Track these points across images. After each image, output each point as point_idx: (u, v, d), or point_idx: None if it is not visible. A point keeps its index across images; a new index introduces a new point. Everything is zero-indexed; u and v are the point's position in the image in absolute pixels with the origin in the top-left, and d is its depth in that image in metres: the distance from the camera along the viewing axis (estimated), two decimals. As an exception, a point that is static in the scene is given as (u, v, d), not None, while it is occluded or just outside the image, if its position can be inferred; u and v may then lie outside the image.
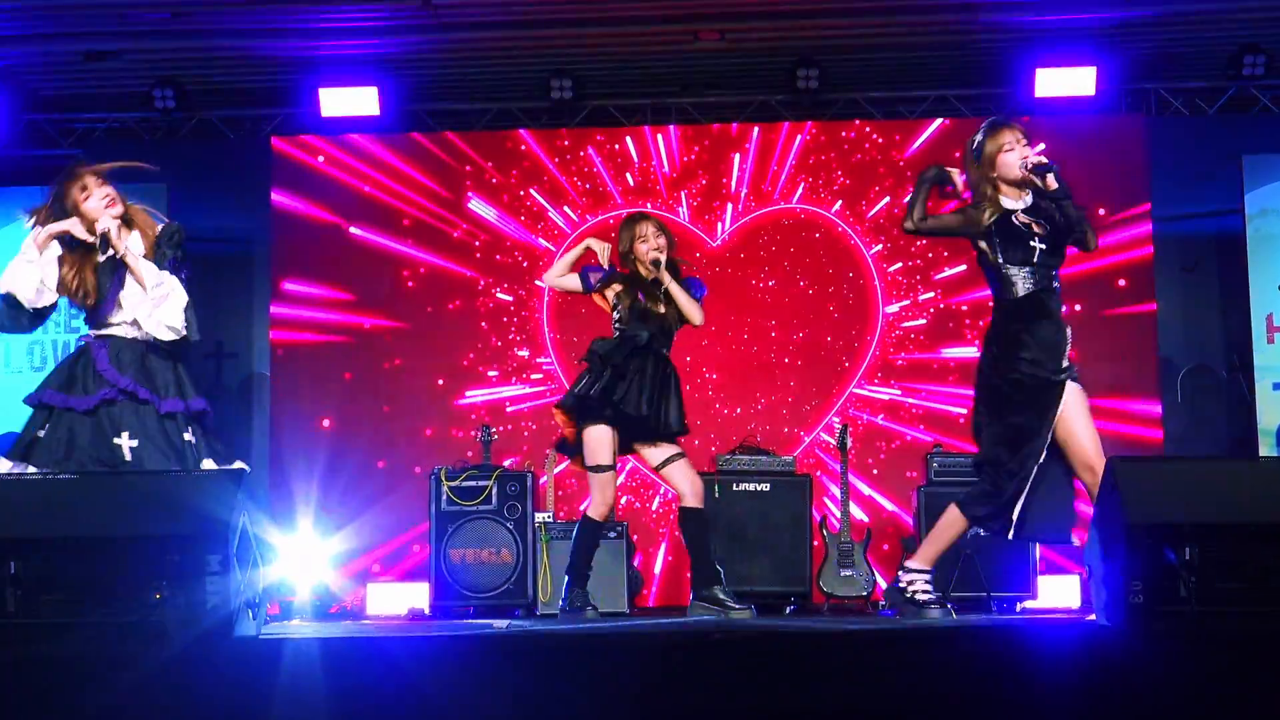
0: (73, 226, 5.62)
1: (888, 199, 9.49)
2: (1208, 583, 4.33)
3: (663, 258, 6.48)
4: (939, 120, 9.58)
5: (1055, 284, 5.69)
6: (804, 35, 9.12)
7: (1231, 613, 4.30)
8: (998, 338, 5.72)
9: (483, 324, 9.59)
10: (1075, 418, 5.59)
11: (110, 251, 5.63)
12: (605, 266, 6.58)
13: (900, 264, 9.49)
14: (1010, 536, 5.68)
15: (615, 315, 6.56)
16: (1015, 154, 5.65)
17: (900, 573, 5.88)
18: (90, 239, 5.64)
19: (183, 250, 5.73)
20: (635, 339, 6.46)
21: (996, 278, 5.72)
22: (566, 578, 6.56)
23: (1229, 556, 4.33)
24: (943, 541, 5.80)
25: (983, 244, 5.72)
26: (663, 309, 6.50)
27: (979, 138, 5.74)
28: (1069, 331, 5.66)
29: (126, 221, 5.71)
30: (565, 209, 9.64)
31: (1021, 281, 5.65)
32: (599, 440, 6.41)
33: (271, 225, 9.69)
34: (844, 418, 9.15)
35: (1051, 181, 5.57)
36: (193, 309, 5.67)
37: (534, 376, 9.54)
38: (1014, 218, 5.67)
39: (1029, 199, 5.68)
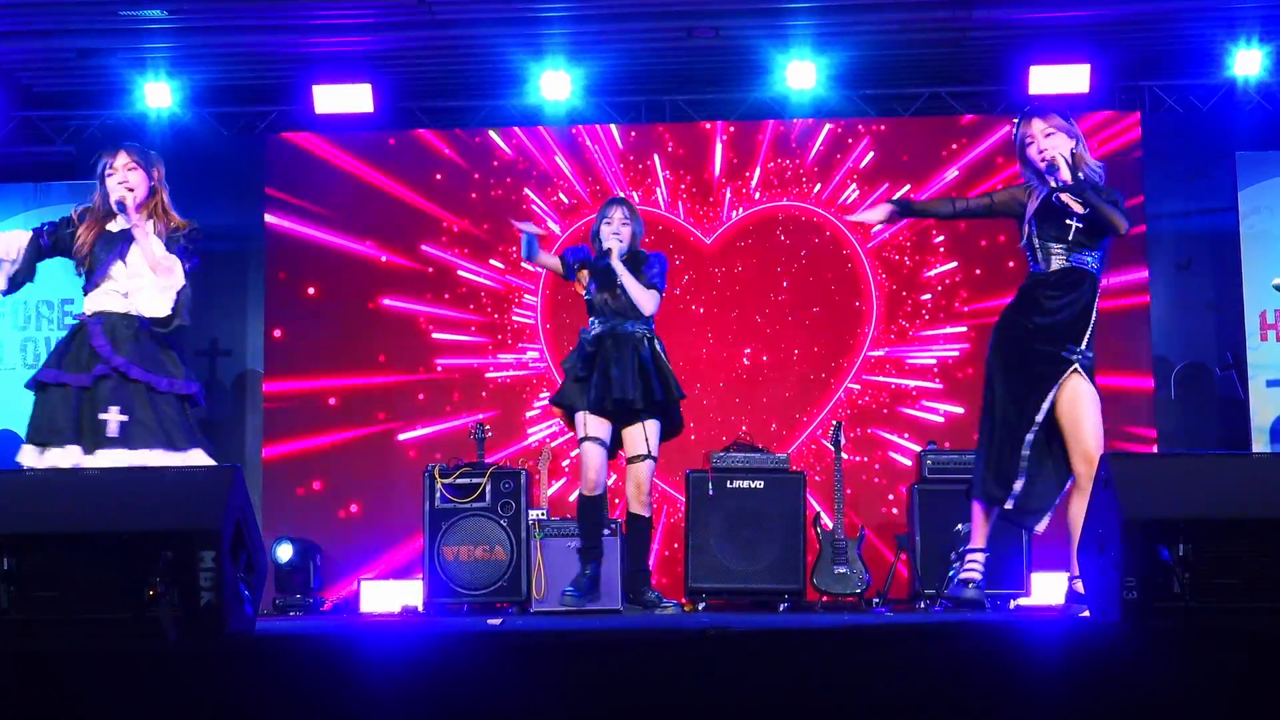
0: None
1: (871, 189, 9.50)
2: (1202, 578, 4.33)
3: (618, 245, 6.58)
4: (936, 117, 9.62)
5: (1091, 266, 5.78)
6: (798, 33, 9.12)
7: (1226, 608, 4.30)
8: (1019, 300, 5.87)
9: (478, 315, 9.60)
10: (1083, 405, 5.70)
11: (119, 223, 5.77)
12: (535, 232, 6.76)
13: (895, 260, 9.49)
14: (1008, 514, 5.79)
15: (586, 300, 6.76)
16: (1034, 146, 5.81)
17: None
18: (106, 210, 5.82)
19: (194, 246, 5.86)
20: (585, 335, 6.72)
21: (1031, 253, 5.86)
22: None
23: (1224, 552, 4.33)
24: (977, 527, 5.94)
25: (1025, 223, 5.87)
26: (618, 295, 6.60)
27: (1014, 131, 5.93)
28: (1093, 321, 5.74)
29: (150, 207, 5.83)
30: (559, 198, 9.63)
31: (1055, 257, 5.77)
32: (579, 419, 6.71)
33: (266, 222, 9.68)
34: (837, 415, 9.16)
35: (1064, 175, 5.71)
36: (188, 297, 5.78)
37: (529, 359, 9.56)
38: (1055, 196, 5.77)
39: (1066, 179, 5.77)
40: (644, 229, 6.89)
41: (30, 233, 5.86)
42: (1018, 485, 5.76)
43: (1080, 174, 5.73)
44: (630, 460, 6.69)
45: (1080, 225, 5.75)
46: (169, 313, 5.73)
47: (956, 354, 9.36)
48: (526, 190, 9.61)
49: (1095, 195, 5.72)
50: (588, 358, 6.65)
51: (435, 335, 9.60)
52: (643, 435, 6.58)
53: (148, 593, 4.23)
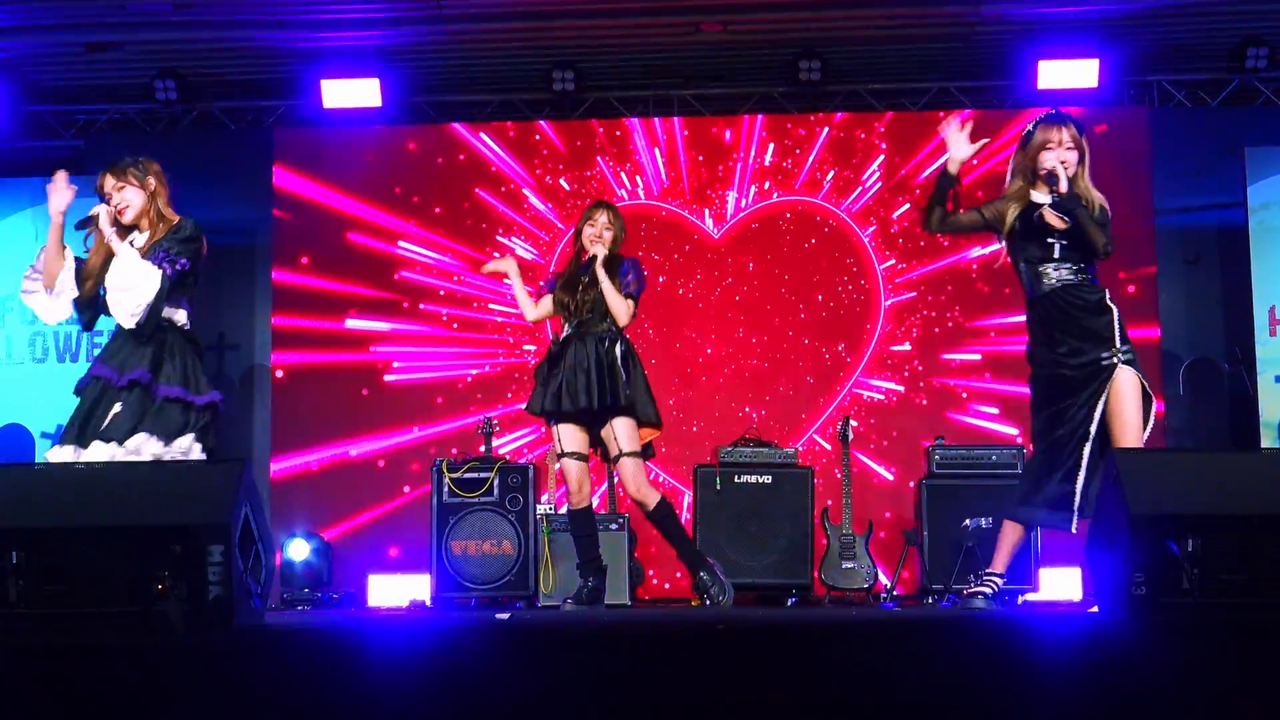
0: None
1: (879, 184, 9.50)
2: (1210, 574, 4.33)
3: (602, 251, 6.55)
4: (942, 112, 9.59)
5: (1086, 276, 5.71)
6: (806, 27, 9.12)
7: (1234, 604, 4.30)
8: (1034, 334, 5.83)
9: (483, 311, 9.60)
10: (1121, 401, 5.59)
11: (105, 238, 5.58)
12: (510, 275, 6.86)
13: (901, 256, 9.48)
14: (1073, 530, 5.69)
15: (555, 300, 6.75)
16: (1054, 154, 5.71)
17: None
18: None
19: (181, 248, 5.54)
20: (555, 341, 6.70)
21: (1021, 274, 5.83)
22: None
23: (1231, 548, 4.34)
24: (1004, 550, 5.89)
25: (1005, 241, 5.84)
26: (581, 298, 6.58)
27: (1031, 127, 5.83)
28: (1115, 315, 5.66)
29: (147, 216, 5.64)
30: (562, 189, 9.63)
31: (1046, 279, 5.71)
32: (555, 434, 6.68)
33: (273, 216, 9.69)
34: (845, 410, 9.14)
35: (1061, 187, 5.65)
36: (162, 304, 5.47)
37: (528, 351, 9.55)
38: (1036, 214, 5.72)
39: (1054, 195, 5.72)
40: (626, 233, 6.81)
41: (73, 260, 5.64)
42: (1078, 498, 5.67)
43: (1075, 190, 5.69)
44: (614, 462, 6.67)
45: (1064, 242, 5.69)
46: (132, 325, 5.46)
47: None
48: (531, 185, 9.62)
49: (1084, 211, 5.65)
50: (550, 362, 6.65)
51: (440, 331, 9.60)
52: (612, 437, 6.55)
53: (156, 587, 4.24)
